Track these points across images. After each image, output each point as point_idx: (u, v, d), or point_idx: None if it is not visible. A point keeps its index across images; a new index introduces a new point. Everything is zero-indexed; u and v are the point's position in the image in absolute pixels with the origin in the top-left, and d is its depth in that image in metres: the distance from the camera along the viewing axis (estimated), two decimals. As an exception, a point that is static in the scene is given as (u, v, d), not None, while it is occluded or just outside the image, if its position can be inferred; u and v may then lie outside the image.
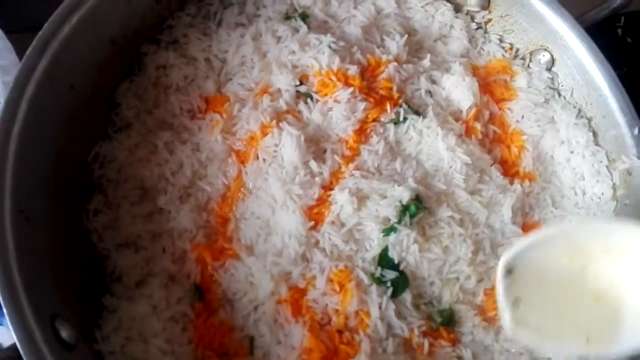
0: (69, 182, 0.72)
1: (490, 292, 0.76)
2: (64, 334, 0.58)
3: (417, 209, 0.74)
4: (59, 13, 0.70)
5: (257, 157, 0.76)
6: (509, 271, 0.60)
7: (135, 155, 0.77)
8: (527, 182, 0.81)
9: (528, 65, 0.89)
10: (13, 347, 0.54)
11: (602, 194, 0.80)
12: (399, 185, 0.74)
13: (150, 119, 0.80)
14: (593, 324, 0.57)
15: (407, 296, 0.72)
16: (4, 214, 0.59)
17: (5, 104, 0.63)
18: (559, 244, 0.59)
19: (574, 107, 0.85)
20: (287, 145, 0.75)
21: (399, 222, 0.73)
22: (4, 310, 0.55)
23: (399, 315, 0.71)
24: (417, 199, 0.74)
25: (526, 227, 0.80)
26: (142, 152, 0.77)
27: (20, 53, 0.85)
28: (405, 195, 0.73)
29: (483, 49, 0.91)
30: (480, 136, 0.83)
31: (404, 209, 0.73)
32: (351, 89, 0.78)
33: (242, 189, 0.75)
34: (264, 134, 0.76)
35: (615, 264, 0.57)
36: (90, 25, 0.73)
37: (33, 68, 0.67)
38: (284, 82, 0.79)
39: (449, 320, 0.75)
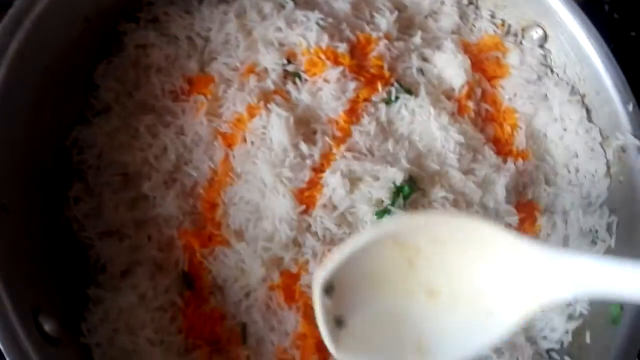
0: (46, 169, 0.69)
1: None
2: (48, 328, 0.56)
3: (411, 190, 0.72)
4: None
5: (245, 140, 0.73)
6: (329, 289, 0.50)
7: (116, 140, 0.73)
8: (520, 161, 0.80)
9: (520, 42, 0.87)
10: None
11: (596, 171, 0.79)
12: (391, 167, 0.72)
13: (131, 101, 0.76)
14: (426, 323, 0.50)
15: (401, 279, 0.71)
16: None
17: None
18: (381, 247, 0.50)
19: (567, 84, 0.83)
20: (275, 127, 0.72)
21: (393, 204, 0.71)
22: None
23: (394, 298, 0.70)
24: (411, 180, 0.73)
25: (520, 206, 0.79)
26: (123, 136, 0.74)
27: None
28: (398, 177, 0.71)
29: (474, 25, 0.89)
30: (472, 114, 0.81)
31: (397, 190, 0.71)
32: (341, 68, 0.76)
33: (230, 173, 0.72)
34: (252, 116, 0.73)
35: (445, 255, 0.50)
36: (63, 2, 0.69)
37: (4, 49, 0.63)
38: (270, 60, 0.76)
39: (444, 301, 0.74)
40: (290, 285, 0.68)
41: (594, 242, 0.77)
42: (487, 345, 0.49)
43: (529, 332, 0.74)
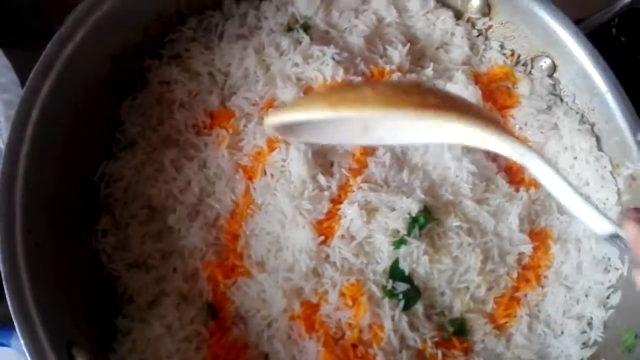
0: (75, 203, 0.71)
1: (500, 300, 0.77)
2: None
3: (426, 220, 0.74)
4: (62, 32, 0.69)
5: (265, 173, 0.75)
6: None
7: (142, 174, 0.76)
8: (532, 189, 0.82)
9: (530, 72, 0.90)
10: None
11: (607, 199, 0.81)
12: (407, 197, 0.75)
13: (156, 136, 0.80)
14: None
15: (418, 307, 0.73)
16: (14, 238, 0.59)
17: (12, 127, 0.63)
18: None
19: (577, 113, 0.85)
20: (294, 160, 0.75)
21: (409, 234, 0.73)
22: (20, 337, 0.54)
23: (412, 326, 0.72)
24: (426, 210, 0.75)
25: (533, 234, 0.80)
26: (149, 170, 0.77)
27: (16, 67, 0.83)
28: (413, 207, 0.74)
29: (484, 56, 0.91)
30: (485, 144, 0.83)
31: (413, 220, 0.74)
32: (356, 101, 0.78)
33: (251, 205, 0.75)
34: (271, 149, 0.76)
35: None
36: (92, 43, 0.72)
37: (37, 91, 0.66)
38: (288, 95, 0.79)
39: (461, 329, 0.76)
40: (311, 315, 0.70)
41: (607, 270, 0.79)
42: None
43: (544, 360, 0.76)
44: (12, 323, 0.80)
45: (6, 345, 0.78)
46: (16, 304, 0.57)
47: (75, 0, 0.73)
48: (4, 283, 0.57)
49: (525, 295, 0.78)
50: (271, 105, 0.79)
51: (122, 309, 0.71)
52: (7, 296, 0.56)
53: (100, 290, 0.71)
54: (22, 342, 0.55)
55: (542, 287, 0.79)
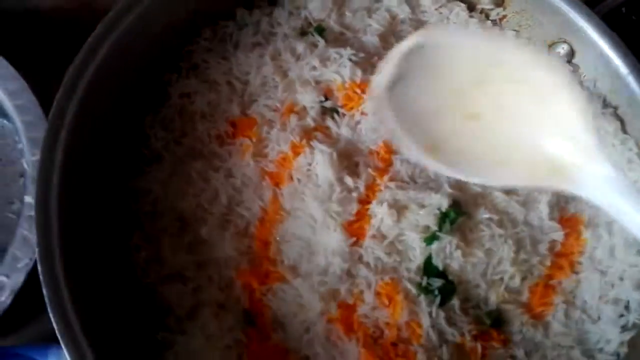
0: (109, 223, 0.72)
1: (535, 289, 0.77)
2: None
3: (457, 215, 0.74)
4: (84, 52, 0.70)
5: (292, 178, 0.76)
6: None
7: (170, 187, 0.77)
8: (560, 177, 0.81)
9: (548, 59, 0.89)
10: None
11: (635, 181, 0.80)
12: (435, 193, 0.75)
13: (180, 148, 0.80)
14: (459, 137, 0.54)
15: (455, 302, 0.73)
16: (55, 267, 0.60)
17: (41, 157, 0.64)
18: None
19: (599, 97, 0.85)
20: (320, 163, 0.75)
21: (440, 229, 0.73)
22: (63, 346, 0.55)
23: (449, 321, 0.72)
24: (455, 205, 0.75)
25: (564, 221, 0.80)
26: (177, 183, 0.77)
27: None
28: (443, 203, 0.73)
29: (500, 46, 0.91)
30: (508, 135, 0.83)
31: (443, 216, 0.73)
32: (377, 100, 0.78)
33: (280, 211, 0.75)
34: (296, 154, 0.76)
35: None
36: (115, 59, 0.73)
37: (63, 113, 0.67)
38: (308, 99, 0.79)
39: (498, 321, 0.75)
40: (348, 317, 0.71)
41: (639, 253, 0.78)
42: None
43: (584, 346, 0.75)
44: (49, 340, 0.82)
45: (43, 364, 0.79)
46: (62, 326, 0.57)
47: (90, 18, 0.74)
48: (48, 309, 0.58)
49: (560, 283, 0.78)
50: (292, 110, 0.79)
51: (160, 323, 0.72)
52: (52, 319, 0.57)
53: (139, 306, 0.72)
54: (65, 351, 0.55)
55: (577, 273, 0.79)
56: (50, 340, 0.81)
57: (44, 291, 0.60)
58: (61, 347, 0.79)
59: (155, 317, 0.72)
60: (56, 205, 0.65)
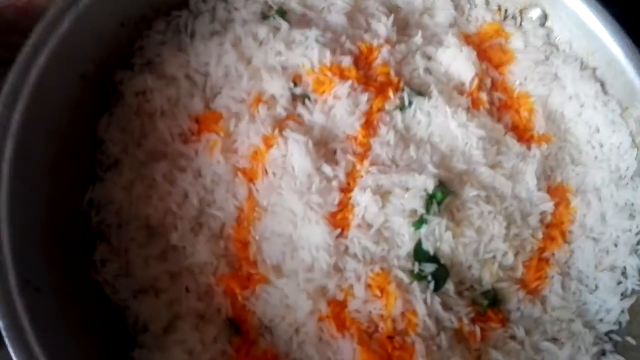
0: (67, 237, 0.66)
1: (529, 264, 0.74)
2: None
3: (444, 195, 0.70)
4: (23, 58, 0.63)
5: (266, 172, 0.71)
6: None
7: (133, 193, 0.71)
8: (544, 145, 0.78)
9: (520, 25, 0.86)
10: None
11: (621, 143, 0.78)
12: (419, 174, 0.71)
13: (140, 151, 0.74)
14: None
15: (449, 286, 0.69)
16: (10, 289, 0.53)
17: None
18: None
19: (576, 60, 0.82)
20: (295, 154, 0.70)
21: (428, 212, 0.69)
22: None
23: (445, 307, 0.68)
24: (441, 185, 0.71)
25: (552, 191, 0.77)
26: (140, 188, 0.71)
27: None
28: (429, 184, 0.70)
29: (471, 16, 0.87)
30: (487, 106, 0.79)
31: (430, 198, 0.70)
32: (349, 82, 0.74)
33: (256, 208, 0.70)
34: (269, 147, 0.71)
35: None
36: (58, 64, 0.66)
37: (7, 124, 0.60)
38: (277, 87, 0.74)
39: (494, 300, 0.72)
40: (340, 314, 0.66)
41: (632, 216, 0.76)
42: None
43: (585, 318, 0.73)
44: None
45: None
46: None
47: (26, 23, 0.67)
48: (5, 340, 0.51)
49: (554, 255, 0.75)
50: (260, 100, 0.74)
51: (137, 340, 0.66)
52: (11, 352, 0.50)
53: (110, 325, 0.66)
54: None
55: (569, 243, 0.76)
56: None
57: (1, 322, 0.53)
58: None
59: (130, 336, 0.66)
60: (9, 226, 0.58)
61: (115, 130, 0.74)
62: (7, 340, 0.51)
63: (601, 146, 0.80)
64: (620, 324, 0.73)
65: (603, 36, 0.78)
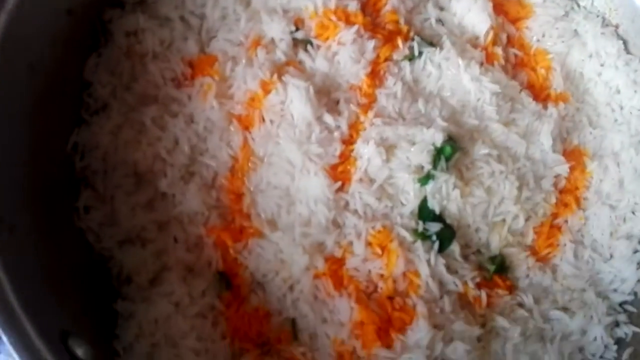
0: (48, 181, 0.61)
1: (540, 230, 0.70)
2: (80, 352, 0.49)
3: (453, 150, 0.65)
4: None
5: (263, 120, 0.66)
6: None
7: (120, 138, 0.66)
8: (561, 104, 0.74)
9: (540, -22, 0.80)
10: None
11: (643, 106, 0.73)
12: (427, 128, 0.66)
13: (130, 94, 0.69)
14: None
15: (454, 248, 0.65)
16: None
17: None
18: None
19: (597, 16, 0.77)
20: (295, 100, 0.65)
21: (435, 167, 0.65)
22: (2, 334, 0.45)
23: (450, 269, 0.64)
24: (450, 140, 0.66)
25: (567, 153, 0.73)
26: (128, 133, 0.66)
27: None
28: (437, 137, 0.65)
29: (487, -33, 0.82)
30: (502, 62, 0.74)
31: (438, 152, 0.65)
32: (355, 27, 0.69)
33: (251, 157, 0.66)
34: (266, 92, 0.66)
35: None
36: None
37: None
38: (277, 30, 0.69)
39: (502, 266, 0.68)
40: (337, 271, 0.62)
41: (651, 182, 0.71)
42: None
43: (597, 287, 0.69)
44: None
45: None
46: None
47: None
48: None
49: (566, 222, 0.71)
50: (258, 43, 0.69)
51: (120, 291, 0.62)
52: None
53: (92, 275, 0.61)
54: (4, 338, 0.45)
55: (583, 210, 0.72)
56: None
57: None
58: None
59: (110, 285, 0.62)
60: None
61: (104, 72, 0.69)
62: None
63: (621, 108, 0.75)
64: (635, 294, 0.69)
65: (629, -11, 0.73)
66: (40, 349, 0.46)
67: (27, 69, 0.61)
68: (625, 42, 0.75)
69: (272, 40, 0.69)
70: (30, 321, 0.48)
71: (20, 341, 0.46)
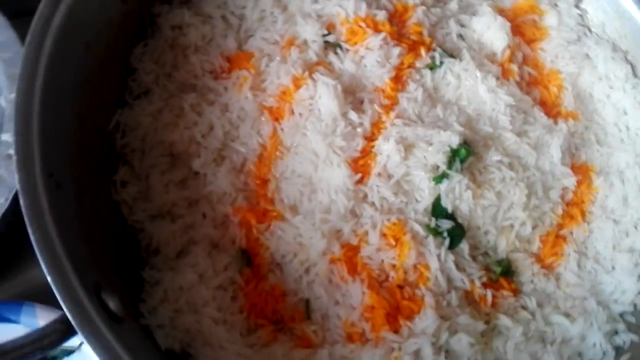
0: (92, 152, 0.66)
1: (546, 239, 0.73)
2: (112, 305, 0.53)
3: (468, 153, 0.70)
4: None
5: (292, 112, 0.71)
6: None
7: (160, 121, 0.71)
8: (571, 121, 0.78)
9: (555, 4, 0.86)
10: (61, 319, 0.48)
11: (649, 128, 0.77)
12: (444, 131, 0.70)
13: (171, 82, 0.74)
14: None
15: (464, 246, 0.69)
16: (35, 179, 0.53)
17: (24, 60, 0.57)
18: None
19: (608, 42, 0.82)
20: (323, 96, 0.70)
21: (450, 168, 0.69)
22: (49, 279, 0.49)
23: (458, 266, 0.68)
24: (465, 143, 0.71)
25: (575, 168, 0.76)
26: (167, 116, 0.71)
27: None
28: (454, 140, 0.69)
29: (507, -9, 0.88)
30: (517, 78, 0.79)
31: (454, 154, 0.69)
32: (383, 35, 0.74)
33: (279, 147, 0.70)
34: (297, 87, 0.71)
35: None
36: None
37: (48, 23, 0.61)
38: (310, 32, 0.75)
39: (507, 270, 0.71)
40: (352, 258, 0.66)
41: (654, 200, 0.75)
42: None
43: (599, 297, 0.71)
44: (21, 299, 0.75)
45: (15, 322, 0.72)
46: (42, 245, 0.51)
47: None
48: (27, 226, 0.51)
49: (571, 233, 0.74)
50: (292, 43, 0.74)
51: (148, 261, 0.65)
52: (32, 238, 0.50)
53: (124, 243, 0.65)
54: (50, 280, 0.49)
55: (588, 223, 0.75)
56: (22, 298, 0.75)
57: (24, 211, 0.53)
58: (34, 305, 0.74)
59: (139, 256, 0.66)
60: (38, 125, 0.57)
61: (149, 60, 0.75)
62: (29, 228, 0.51)
63: (627, 129, 0.79)
64: (635, 305, 0.71)
65: (637, 18, 0.78)
66: (80, 294, 0.50)
67: (84, 46, 0.66)
68: (633, 67, 0.80)
69: (305, 42, 0.75)
70: (71, 268, 0.52)
71: (63, 284, 0.49)
